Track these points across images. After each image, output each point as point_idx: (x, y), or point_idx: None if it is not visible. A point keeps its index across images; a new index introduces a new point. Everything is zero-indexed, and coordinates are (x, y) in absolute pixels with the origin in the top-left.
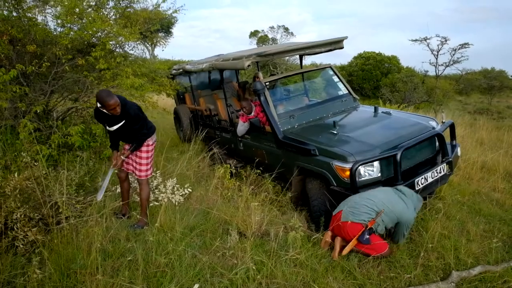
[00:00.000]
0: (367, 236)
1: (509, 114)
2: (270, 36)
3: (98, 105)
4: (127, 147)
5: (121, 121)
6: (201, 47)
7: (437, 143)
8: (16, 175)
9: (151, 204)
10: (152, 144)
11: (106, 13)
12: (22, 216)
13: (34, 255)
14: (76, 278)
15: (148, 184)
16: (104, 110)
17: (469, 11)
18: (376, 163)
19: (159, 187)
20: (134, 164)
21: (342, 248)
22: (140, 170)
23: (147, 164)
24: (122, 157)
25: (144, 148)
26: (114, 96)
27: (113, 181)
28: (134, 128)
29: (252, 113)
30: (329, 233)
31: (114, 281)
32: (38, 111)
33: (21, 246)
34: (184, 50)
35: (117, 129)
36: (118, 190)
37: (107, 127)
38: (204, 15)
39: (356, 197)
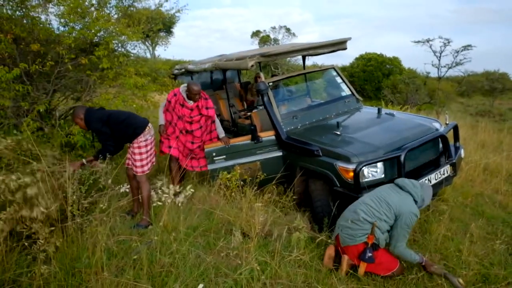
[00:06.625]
0: (370, 254)
1: (510, 117)
2: (272, 36)
3: None
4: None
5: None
6: (202, 47)
7: (440, 145)
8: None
9: (154, 204)
10: (144, 141)
11: (108, 12)
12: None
13: (40, 252)
14: (81, 277)
15: (147, 182)
16: None
17: (470, 13)
18: (379, 164)
19: (162, 188)
20: (132, 159)
21: (350, 266)
22: (136, 166)
23: (141, 160)
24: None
25: (135, 145)
26: (77, 115)
27: (117, 181)
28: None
29: None
30: (332, 247)
31: (119, 280)
32: (41, 110)
33: (26, 244)
34: (184, 50)
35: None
36: (122, 189)
37: None
38: (204, 15)
39: (347, 213)
